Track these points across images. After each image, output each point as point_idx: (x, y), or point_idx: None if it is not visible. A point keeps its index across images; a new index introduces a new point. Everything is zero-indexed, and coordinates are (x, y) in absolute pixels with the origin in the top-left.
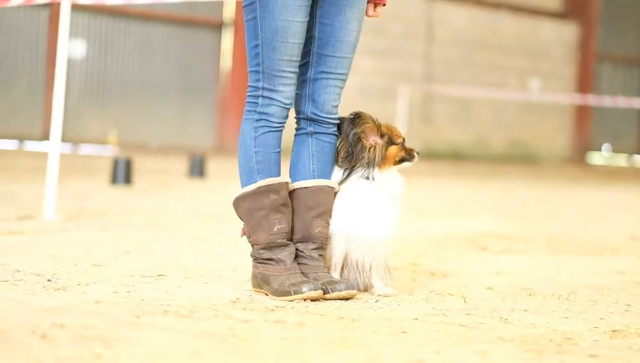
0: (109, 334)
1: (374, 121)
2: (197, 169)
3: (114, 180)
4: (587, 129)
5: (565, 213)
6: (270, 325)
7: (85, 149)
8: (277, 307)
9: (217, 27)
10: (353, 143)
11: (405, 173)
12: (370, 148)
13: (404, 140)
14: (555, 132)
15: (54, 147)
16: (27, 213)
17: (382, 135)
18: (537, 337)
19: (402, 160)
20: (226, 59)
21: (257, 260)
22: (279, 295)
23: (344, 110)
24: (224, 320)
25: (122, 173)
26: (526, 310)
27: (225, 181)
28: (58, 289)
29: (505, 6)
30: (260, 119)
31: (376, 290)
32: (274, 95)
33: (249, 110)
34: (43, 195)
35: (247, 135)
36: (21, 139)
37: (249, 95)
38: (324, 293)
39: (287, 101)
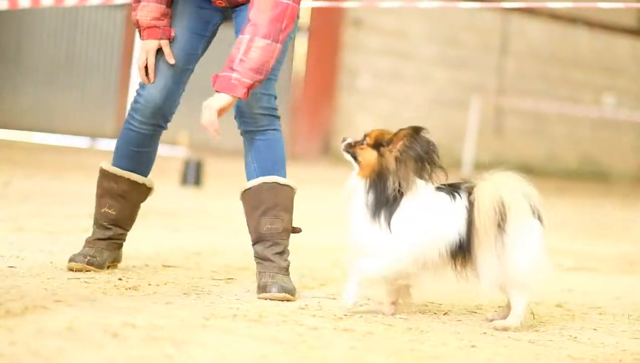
0: (179, 335)
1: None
2: None
3: (185, 181)
4: None
5: (638, 232)
6: (339, 333)
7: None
8: (345, 315)
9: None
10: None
11: None
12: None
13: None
14: (629, 150)
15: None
16: None
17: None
18: (606, 357)
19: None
20: (300, 64)
21: None
22: None
23: (419, 120)
24: (293, 326)
25: (193, 174)
26: (596, 329)
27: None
28: (129, 289)
29: (581, 21)
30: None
31: None
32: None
33: None
34: None
35: None
36: (93, 136)
37: None
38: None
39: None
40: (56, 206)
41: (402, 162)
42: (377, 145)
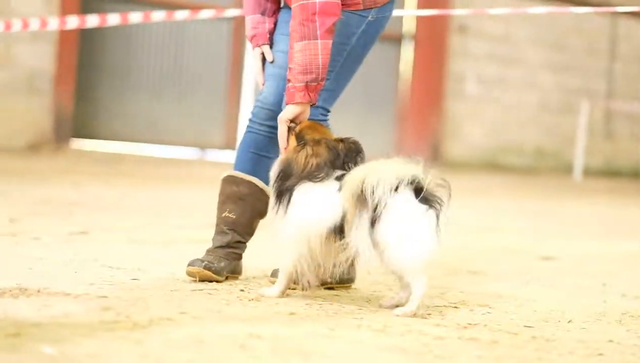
0: (305, 346)
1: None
2: None
3: None
4: None
5: None
6: (465, 343)
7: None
8: (469, 324)
9: (397, 40)
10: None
11: (585, 192)
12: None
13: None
14: None
15: None
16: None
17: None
18: None
19: None
20: (406, 71)
21: None
22: None
23: (526, 125)
24: (417, 336)
25: None
26: None
27: None
28: (251, 300)
29: None
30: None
31: None
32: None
33: None
34: None
35: None
36: (202, 147)
37: None
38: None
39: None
40: (170, 217)
41: (307, 163)
42: (300, 137)
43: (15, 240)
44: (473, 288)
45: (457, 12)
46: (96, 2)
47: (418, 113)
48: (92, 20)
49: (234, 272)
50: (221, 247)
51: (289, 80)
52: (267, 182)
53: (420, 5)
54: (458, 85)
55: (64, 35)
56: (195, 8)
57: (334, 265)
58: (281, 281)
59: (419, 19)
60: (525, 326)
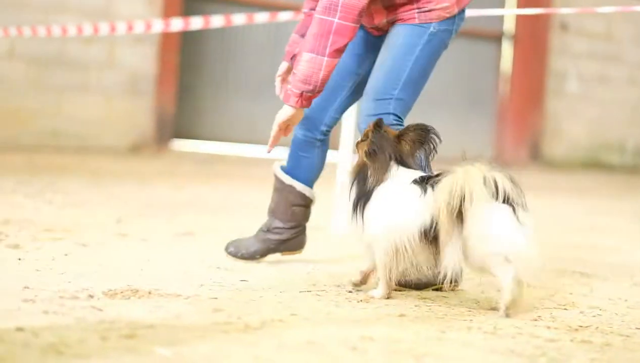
0: (418, 349)
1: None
2: None
3: None
4: None
5: None
6: (577, 345)
7: None
8: (580, 326)
9: (497, 39)
10: None
11: None
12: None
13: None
14: None
15: (344, 158)
16: (316, 224)
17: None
18: None
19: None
20: (506, 70)
21: None
22: None
23: (627, 124)
24: (528, 339)
25: None
26: None
27: None
28: (360, 301)
29: None
30: None
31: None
32: None
33: None
34: (330, 206)
35: None
36: None
37: None
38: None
39: None
40: None
41: (368, 155)
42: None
43: (124, 241)
44: (582, 290)
45: (561, 10)
46: (197, 3)
47: (518, 111)
48: (195, 22)
49: (263, 255)
50: (261, 229)
51: (289, 82)
52: (302, 180)
53: (521, 4)
54: (558, 83)
55: (166, 38)
56: (298, 9)
57: (428, 268)
58: (382, 282)
59: (519, 18)
60: (637, 328)
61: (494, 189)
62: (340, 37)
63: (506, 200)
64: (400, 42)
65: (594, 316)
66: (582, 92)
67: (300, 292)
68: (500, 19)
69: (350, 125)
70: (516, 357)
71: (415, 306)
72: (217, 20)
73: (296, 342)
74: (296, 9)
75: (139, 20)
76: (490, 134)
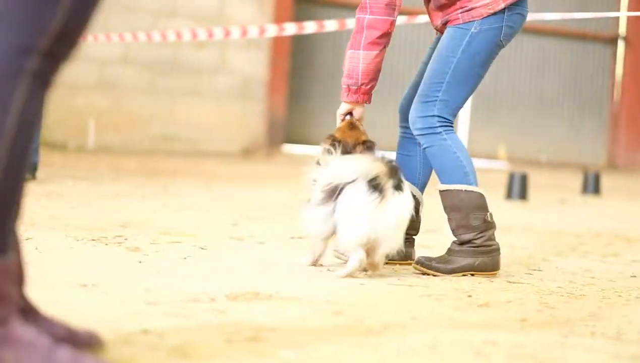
0: (541, 354)
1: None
2: (592, 185)
3: (509, 194)
4: None
5: None
6: None
7: (476, 163)
8: None
9: (610, 41)
10: None
11: None
12: None
13: (365, 141)
14: None
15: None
16: (432, 226)
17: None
18: None
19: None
20: (619, 73)
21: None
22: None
23: None
24: None
25: (518, 188)
26: None
27: (621, 199)
28: (480, 305)
29: None
30: None
31: None
32: None
33: None
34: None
35: None
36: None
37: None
38: None
39: None
40: None
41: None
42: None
43: (241, 244)
44: None
45: None
46: (309, 7)
47: (632, 115)
48: (309, 27)
49: (405, 258)
50: None
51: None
52: (410, 179)
53: (632, 6)
54: None
55: (277, 42)
56: (412, 13)
57: None
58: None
59: (631, 20)
60: None
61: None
62: (373, 30)
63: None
64: (444, 45)
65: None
66: None
67: (419, 295)
68: (614, 21)
69: None
70: None
71: (537, 311)
72: (330, 25)
73: (418, 347)
74: (410, 13)
75: (252, 25)
76: (604, 138)
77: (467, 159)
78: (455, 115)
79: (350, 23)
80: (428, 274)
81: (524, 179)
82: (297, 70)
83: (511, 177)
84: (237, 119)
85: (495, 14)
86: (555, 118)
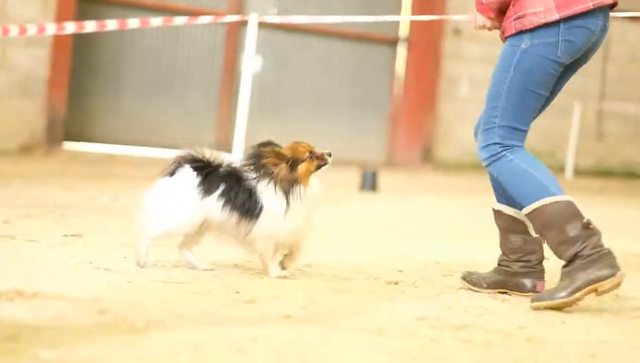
0: (301, 349)
1: (274, 152)
2: (369, 182)
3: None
4: None
5: None
6: (459, 345)
7: None
8: (463, 325)
9: (392, 42)
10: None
11: (580, 191)
12: (277, 175)
13: (311, 152)
14: None
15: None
16: None
17: (287, 160)
18: None
19: (318, 168)
20: (400, 74)
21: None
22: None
23: None
24: (413, 339)
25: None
26: None
27: (397, 195)
28: (247, 302)
29: None
30: None
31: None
32: None
33: None
34: None
35: None
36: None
37: None
38: None
39: None
40: None
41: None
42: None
43: (12, 242)
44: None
45: (454, 17)
46: (91, 6)
47: (411, 115)
48: (90, 26)
49: (496, 286)
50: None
51: None
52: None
53: (415, 10)
54: (451, 87)
55: (58, 40)
56: (193, 14)
57: None
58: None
59: (414, 23)
60: (519, 327)
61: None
62: None
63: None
64: (497, 65)
65: (478, 315)
66: (474, 96)
67: (187, 293)
68: (396, 24)
69: None
70: (398, 356)
71: (302, 306)
72: (111, 25)
73: (180, 344)
74: (190, 13)
75: (32, 24)
76: (384, 137)
77: (540, 170)
78: (522, 139)
79: (132, 23)
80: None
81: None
82: (79, 68)
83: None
84: (15, 116)
85: (548, 25)
86: (338, 118)
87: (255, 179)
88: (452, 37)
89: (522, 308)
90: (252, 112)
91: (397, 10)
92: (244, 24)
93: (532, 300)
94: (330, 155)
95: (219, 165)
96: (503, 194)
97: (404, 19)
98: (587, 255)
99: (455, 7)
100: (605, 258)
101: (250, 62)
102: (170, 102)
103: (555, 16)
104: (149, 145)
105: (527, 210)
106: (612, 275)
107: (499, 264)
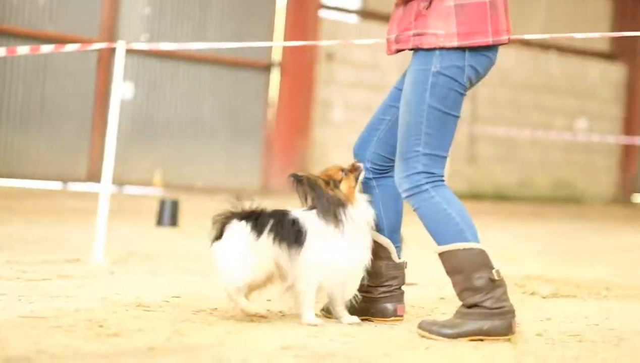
0: None
1: (316, 181)
2: None
3: (160, 221)
4: (633, 169)
5: (613, 257)
6: None
7: (131, 190)
8: (328, 353)
9: (265, 68)
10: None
11: None
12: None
13: (342, 169)
14: (601, 173)
15: (104, 189)
16: (76, 256)
17: (327, 184)
18: None
19: (357, 180)
20: (273, 99)
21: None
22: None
23: None
24: None
25: (169, 214)
26: (577, 358)
27: None
28: (110, 335)
29: (553, 47)
30: None
31: (344, 319)
32: None
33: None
34: (91, 238)
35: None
36: (66, 180)
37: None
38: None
39: None
40: (32, 253)
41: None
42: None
43: None
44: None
45: (326, 42)
46: None
47: (285, 140)
48: None
49: (361, 314)
50: None
51: None
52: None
53: (288, 35)
54: (325, 112)
55: None
56: (61, 41)
57: None
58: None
59: (286, 48)
60: (383, 354)
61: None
62: None
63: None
64: (409, 93)
65: (343, 343)
66: (348, 120)
67: (49, 327)
68: (268, 49)
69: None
70: None
71: (167, 339)
72: None
73: None
74: (61, 40)
75: None
76: (258, 163)
77: (460, 214)
78: (443, 166)
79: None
80: (433, 339)
81: (174, 205)
82: None
83: (162, 203)
84: None
85: (453, 50)
86: (211, 144)
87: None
88: (325, 61)
89: (388, 335)
90: (126, 140)
91: (269, 36)
92: (114, 50)
93: (419, 326)
94: (359, 161)
95: (263, 210)
96: None
97: (276, 45)
98: (488, 307)
99: (327, 33)
100: (505, 316)
101: (119, 90)
102: (42, 133)
103: (454, 43)
104: (20, 176)
105: (439, 249)
106: (503, 335)
107: (359, 291)
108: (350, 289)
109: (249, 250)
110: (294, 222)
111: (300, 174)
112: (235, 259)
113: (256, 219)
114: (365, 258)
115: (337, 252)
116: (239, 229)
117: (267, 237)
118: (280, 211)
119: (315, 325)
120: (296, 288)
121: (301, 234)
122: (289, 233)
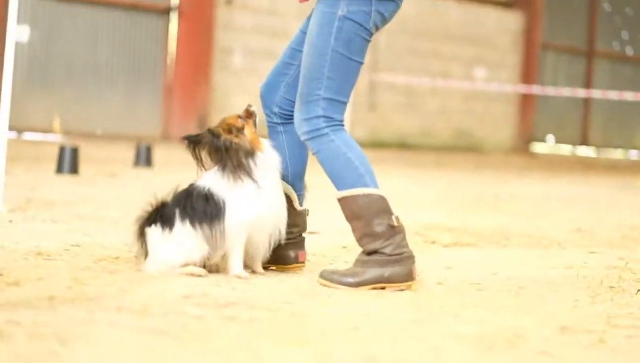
0: (64, 331)
1: (217, 131)
2: (144, 157)
3: (60, 168)
4: (531, 118)
5: (511, 205)
6: (223, 322)
7: (30, 136)
8: (229, 302)
9: (163, 12)
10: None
11: None
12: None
13: (239, 116)
14: (500, 122)
15: (1, 135)
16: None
17: (230, 132)
18: (488, 334)
19: (255, 125)
20: (172, 44)
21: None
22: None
23: None
24: (177, 317)
25: (69, 161)
26: (477, 306)
27: (172, 170)
28: (10, 284)
29: None
30: None
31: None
32: None
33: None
34: None
35: None
36: None
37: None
38: None
39: None
40: None
41: None
42: None
43: None
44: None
45: None
46: None
47: (185, 86)
48: None
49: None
50: None
51: None
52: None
53: None
54: (225, 58)
55: None
56: None
57: None
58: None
59: None
60: (284, 302)
61: None
62: None
63: None
64: (314, 35)
65: (245, 292)
66: (249, 67)
67: None
68: None
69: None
70: (161, 335)
71: (67, 287)
72: None
73: None
74: None
75: None
76: (158, 109)
77: (360, 159)
78: (343, 111)
79: None
80: (334, 288)
81: (74, 152)
82: None
83: (61, 150)
84: None
85: None
86: (110, 90)
87: (220, 167)
88: (224, 7)
89: (289, 283)
90: (24, 85)
91: None
92: None
93: (320, 276)
94: (250, 105)
95: (164, 202)
96: None
97: None
98: (388, 254)
99: None
100: (404, 262)
101: (14, 33)
102: None
103: None
104: None
105: (339, 195)
106: (404, 281)
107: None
108: (279, 235)
109: (175, 249)
110: (207, 198)
111: (195, 134)
112: (166, 268)
113: (162, 216)
114: (283, 201)
115: (256, 203)
116: (155, 235)
117: (182, 227)
118: (184, 191)
119: (245, 278)
120: (225, 246)
121: (218, 207)
122: (205, 212)
